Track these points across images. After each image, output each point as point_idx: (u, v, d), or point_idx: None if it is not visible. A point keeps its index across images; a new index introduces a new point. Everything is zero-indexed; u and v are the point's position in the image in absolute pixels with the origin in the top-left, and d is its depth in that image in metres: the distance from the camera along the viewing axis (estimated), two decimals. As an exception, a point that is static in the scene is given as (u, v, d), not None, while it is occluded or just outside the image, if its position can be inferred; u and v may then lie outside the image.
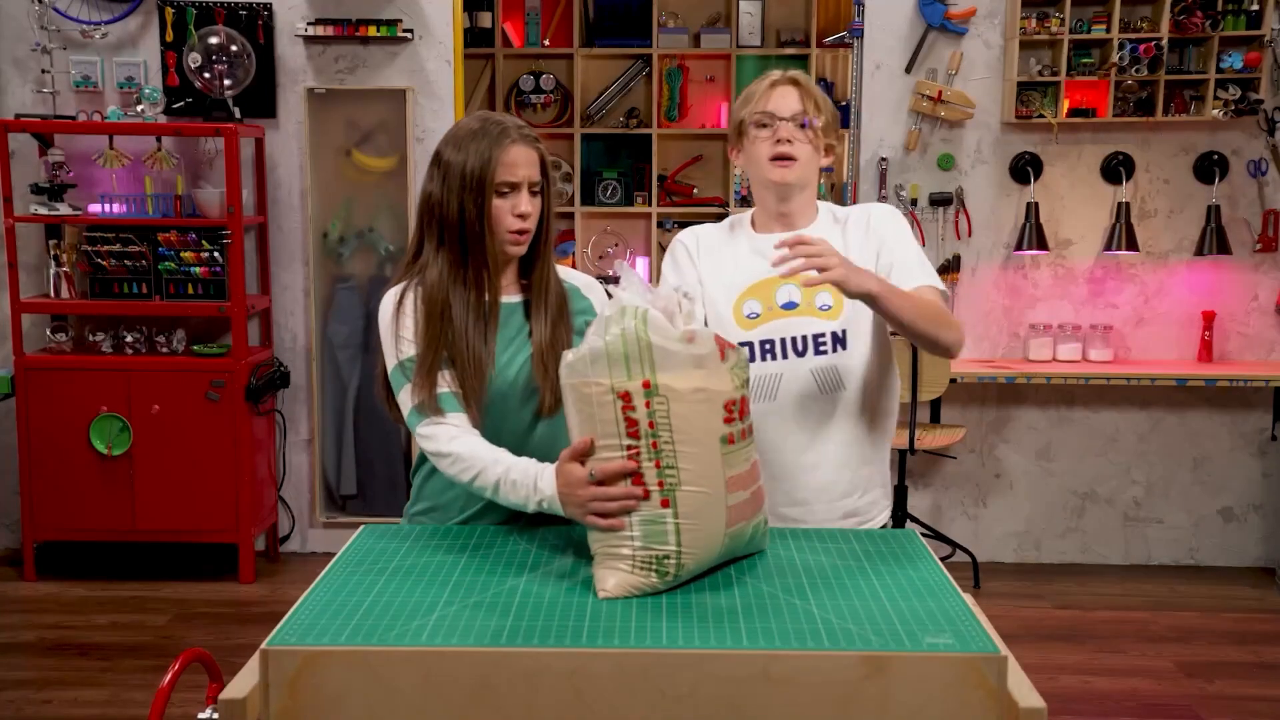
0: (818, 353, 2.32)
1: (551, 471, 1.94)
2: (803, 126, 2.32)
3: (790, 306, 2.33)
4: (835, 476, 2.35)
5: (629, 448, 1.79)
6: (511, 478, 2.00)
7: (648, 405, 1.77)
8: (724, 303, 2.35)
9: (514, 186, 2.15)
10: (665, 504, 1.79)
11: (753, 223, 2.45)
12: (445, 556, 2.01)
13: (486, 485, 2.03)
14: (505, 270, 2.24)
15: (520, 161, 2.15)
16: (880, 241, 2.35)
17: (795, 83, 2.35)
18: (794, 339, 2.32)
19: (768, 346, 2.33)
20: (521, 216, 2.15)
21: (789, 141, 2.31)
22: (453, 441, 2.07)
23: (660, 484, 1.79)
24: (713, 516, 1.82)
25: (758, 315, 2.33)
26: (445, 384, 2.12)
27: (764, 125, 2.33)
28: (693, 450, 1.79)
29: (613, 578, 1.80)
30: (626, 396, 1.78)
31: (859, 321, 2.33)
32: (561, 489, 1.90)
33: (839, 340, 2.32)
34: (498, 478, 2.01)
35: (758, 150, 2.34)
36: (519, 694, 1.61)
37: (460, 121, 2.23)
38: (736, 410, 1.83)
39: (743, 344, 2.29)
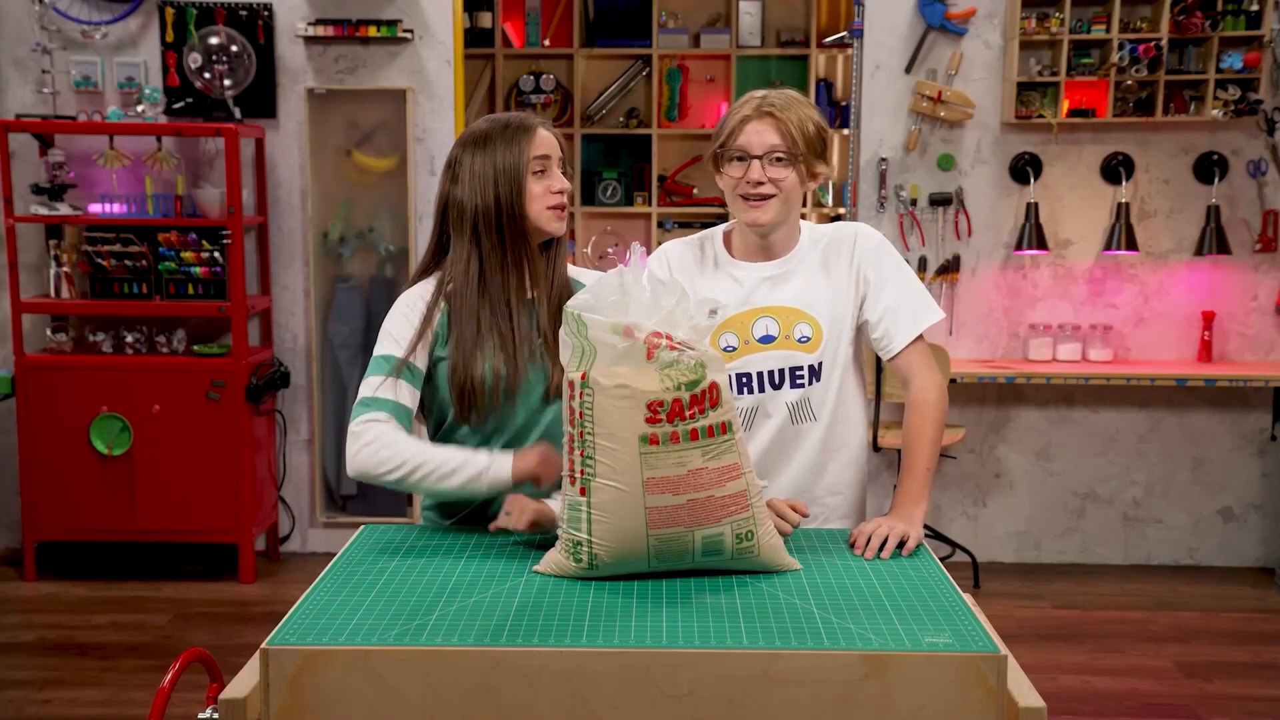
0: (794, 386, 2.30)
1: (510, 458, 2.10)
2: (778, 161, 2.22)
3: (768, 340, 2.29)
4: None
5: (568, 435, 1.87)
6: (456, 455, 2.10)
7: (580, 396, 1.83)
8: None
9: (546, 164, 2.19)
10: (582, 492, 1.85)
11: (727, 243, 2.38)
12: (445, 557, 2.01)
13: (417, 462, 2.08)
14: (534, 256, 2.25)
15: (548, 141, 2.21)
16: (867, 285, 2.30)
17: (770, 115, 2.22)
18: (771, 373, 2.30)
19: (745, 380, 2.30)
20: (559, 192, 2.20)
21: (761, 183, 2.22)
22: (384, 434, 2.11)
23: (581, 472, 1.85)
24: (628, 514, 1.82)
25: (734, 349, 2.30)
26: (405, 396, 2.17)
27: (737, 160, 2.25)
28: (611, 445, 1.81)
29: (548, 555, 1.93)
30: (571, 386, 1.85)
31: (836, 354, 2.31)
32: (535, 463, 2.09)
33: (815, 373, 2.30)
34: (432, 455, 2.09)
35: (731, 187, 2.27)
36: (519, 694, 1.62)
37: (472, 126, 2.25)
38: (664, 412, 1.79)
39: None
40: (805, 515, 2.13)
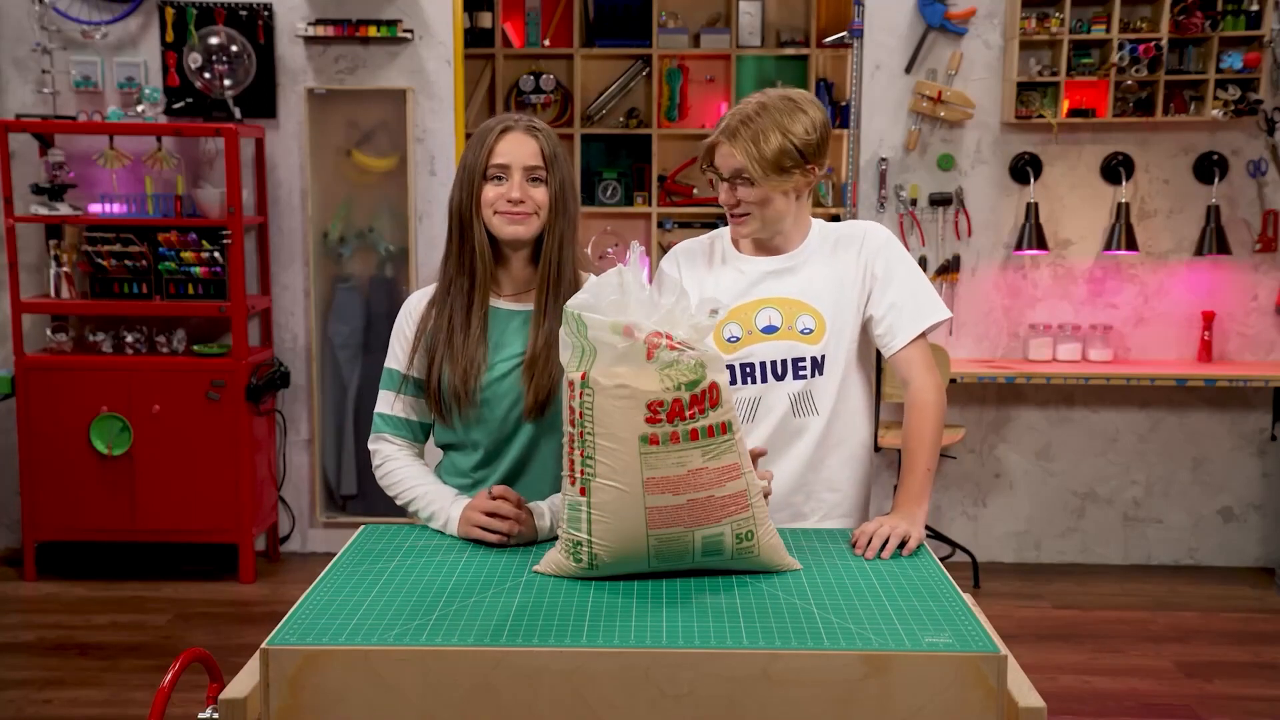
0: (797, 377, 2.31)
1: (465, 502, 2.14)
2: (745, 182, 2.25)
3: (770, 330, 2.31)
4: (786, 499, 2.32)
5: (568, 435, 1.87)
6: (430, 496, 2.18)
7: (580, 396, 1.83)
8: None
9: (504, 170, 2.16)
10: (582, 492, 1.85)
11: (735, 241, 2.41)
12: (445, 556, 2.01)
13: (408, 498, 2.22)
14: (510, 266, 2.23)
15: (511, 148, 2.16)
16: (874, 280, 2.32)
17: (733, 138, 2.24)
18: (774, 363, 2.31)
19: (748, 370, 2.31)
20: (512, 200, 2.15)
21: (735, 204, 2.28)
22: (388, 460, 2.27)
23: (581, 472, 1.85)
24: (628, 514, 1.82)
25: (738, 339, 2.32)
26: (409, 410, 2.27)
27: (717, 178, 2.31)
28: (611, 445, 1.82)
29: (548, 555, 1.94)
30: (572, 385, 1.85)
31: (839, 348, 2.32)
32: (464, 510, 2.11)
33: (818, 365, 2.31)
34: (418, 494, 2.20)
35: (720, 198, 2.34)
36: (519, 694, 1.62)
37: None
38: (664, 412, 1.80)
39: None
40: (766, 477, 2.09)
